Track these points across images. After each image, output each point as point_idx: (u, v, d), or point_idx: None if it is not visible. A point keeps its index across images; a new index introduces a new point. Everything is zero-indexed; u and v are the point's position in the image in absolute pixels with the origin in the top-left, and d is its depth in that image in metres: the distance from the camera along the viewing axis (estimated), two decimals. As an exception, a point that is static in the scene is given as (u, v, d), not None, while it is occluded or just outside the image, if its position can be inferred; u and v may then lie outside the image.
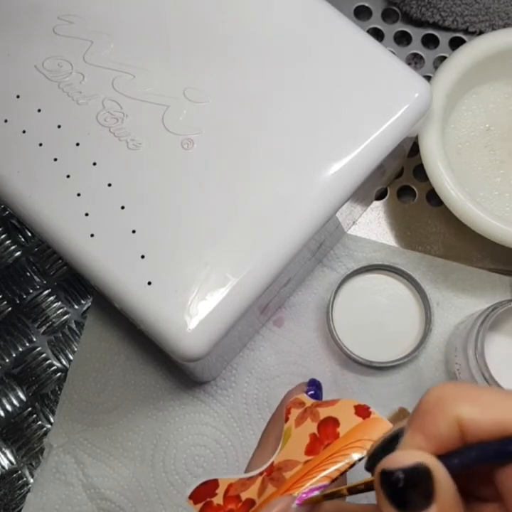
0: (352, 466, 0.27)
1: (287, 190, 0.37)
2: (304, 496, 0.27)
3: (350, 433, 0.29)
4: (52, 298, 0.52)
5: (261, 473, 0.31)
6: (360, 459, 0.27)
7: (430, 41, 0.56)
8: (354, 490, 0.24)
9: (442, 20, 0.54)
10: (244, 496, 0.30)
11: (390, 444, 0.22)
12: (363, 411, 0.30)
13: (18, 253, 0.53)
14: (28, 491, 0.48)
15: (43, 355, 0.51)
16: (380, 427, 0.28)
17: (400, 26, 0.56)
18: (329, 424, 0.30)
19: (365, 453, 0.27)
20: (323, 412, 0.31)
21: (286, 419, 0.32)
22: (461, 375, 0.45)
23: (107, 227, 0.37)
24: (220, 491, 0.30)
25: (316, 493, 0.26)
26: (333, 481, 0.27)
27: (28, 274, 0.53)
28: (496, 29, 0.53)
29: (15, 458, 0.49)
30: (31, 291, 0.52)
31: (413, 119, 0.39)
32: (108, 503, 0.48)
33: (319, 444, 0.30)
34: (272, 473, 0.30)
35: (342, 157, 0.38)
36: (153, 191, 0.38)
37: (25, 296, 0.52)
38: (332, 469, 0.27)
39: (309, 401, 0.32)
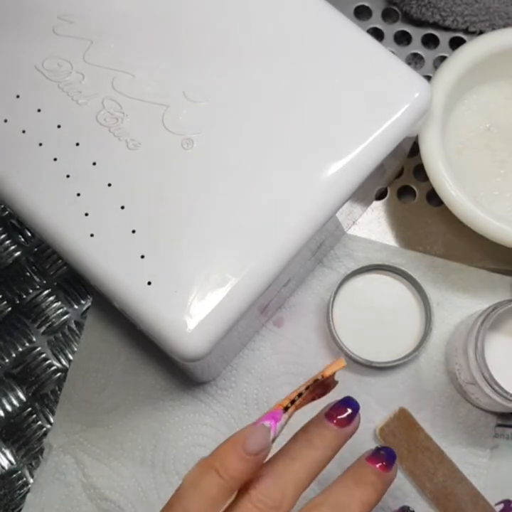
0: (300, 395, 0.32)
1: (287, 190, 0.37)
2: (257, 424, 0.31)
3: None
4: (52, 298, 0.52)
5: None
6: (307, 388, 0.32)
7: (430, 41, 0.56)
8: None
9: (442, 20, 0.54)
10: None
11: None
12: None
13: (18, 253, 0.53)
14: (28, 491, 0.48)
15: (43, 355, 0.51)
16: (336, 363, 0.33)
17: (400, 26, 0.56)
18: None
19: (310, 381, 0.32)
20: None
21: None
22: (461, 375, 0.45)
23: (107, 227, 0.37)
24: None
25: (267, 422, 0.31)
26: (286, 409, 0.31)
27: (28, 274, 0.53)
28: (495, 29, 0.53)
29: (15, 458, 0.49)
30: (31, 291, 0.52)
31: (413, 119, 0.39)
32: (108, 503, 0.48)
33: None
34: None
35: (342, 157, 0.38)
36: (153, 191, 0.38)
37: (25, 296, 0.52)
38: (283, 399, 0.32)
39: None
